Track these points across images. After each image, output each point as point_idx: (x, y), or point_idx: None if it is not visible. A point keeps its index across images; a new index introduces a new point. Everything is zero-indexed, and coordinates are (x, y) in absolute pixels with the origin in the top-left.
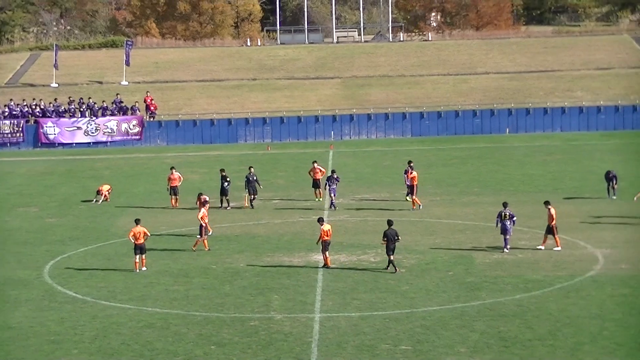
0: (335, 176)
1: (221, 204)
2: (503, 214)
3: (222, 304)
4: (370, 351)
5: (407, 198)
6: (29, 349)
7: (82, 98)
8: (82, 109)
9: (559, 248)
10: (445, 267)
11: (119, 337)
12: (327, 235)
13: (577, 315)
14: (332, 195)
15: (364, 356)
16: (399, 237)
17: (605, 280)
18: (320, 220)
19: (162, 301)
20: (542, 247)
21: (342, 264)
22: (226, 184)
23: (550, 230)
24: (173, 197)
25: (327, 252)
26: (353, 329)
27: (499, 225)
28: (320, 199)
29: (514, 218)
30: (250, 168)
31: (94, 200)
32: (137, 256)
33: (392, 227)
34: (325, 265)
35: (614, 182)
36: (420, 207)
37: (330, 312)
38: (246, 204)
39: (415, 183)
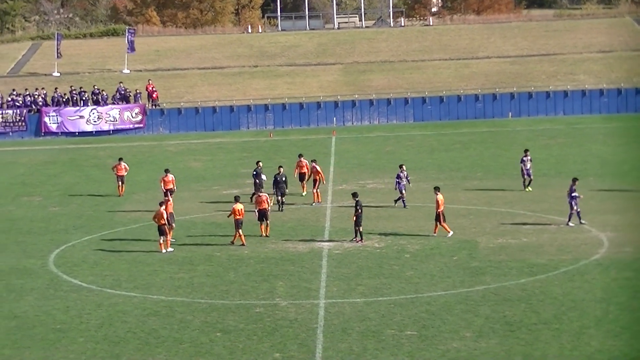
0: (406, 174)
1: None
2: (572, 188)
3: (226, 291)
4: (376, 337)
5: (529, 188)
6: (35, 338)
7: (81, 87)
8: (84, 98)
9: (451, 233)
10: (450, 252)
11: (125, 325)
12: (240, 214)
13: (581, 298)
14: (403, 191)
15: (369, 342)
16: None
17: (609, 263)
18: (236, 199)
19: (167, 289)
20: (435, 234)
21: (346, 250)
22: (264, 177)
23: (437, 217)
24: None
25: (240, 230)
26: (358, 314)
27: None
28: (304, 194)
29: (573, 193)
30: (279, 168)
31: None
32: (161, 237)
33: (357, 198)
34: (242, 244)
35: None
36: (313, 204)
37: (335, 298)
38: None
39: (320, 177)
